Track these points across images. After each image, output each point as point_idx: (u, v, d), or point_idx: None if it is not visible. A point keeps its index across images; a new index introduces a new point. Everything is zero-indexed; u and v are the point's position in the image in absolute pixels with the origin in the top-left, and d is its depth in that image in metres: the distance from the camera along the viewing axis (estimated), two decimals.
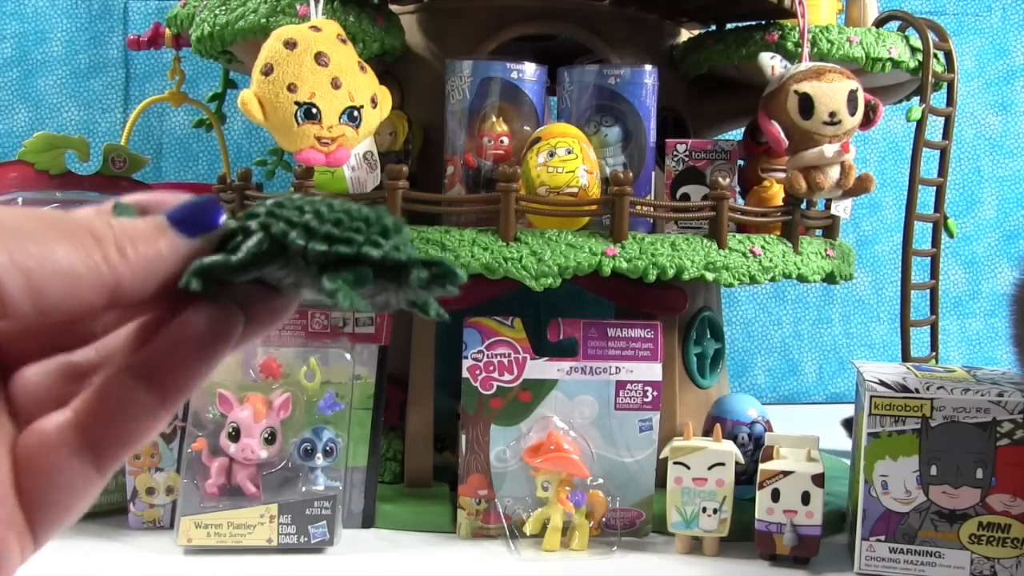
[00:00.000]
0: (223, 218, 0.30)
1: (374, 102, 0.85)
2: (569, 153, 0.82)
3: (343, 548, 0.80)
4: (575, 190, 0.81)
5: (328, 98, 0.80)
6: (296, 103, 0.77)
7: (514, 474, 0.82)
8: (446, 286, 0.30)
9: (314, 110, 0.77)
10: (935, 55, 0.99)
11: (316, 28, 0.79)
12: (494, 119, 0.89)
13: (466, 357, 0.81)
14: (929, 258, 1.05)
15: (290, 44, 0.77)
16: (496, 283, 0.80)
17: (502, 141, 0.88)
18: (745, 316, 1.43)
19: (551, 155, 0.82)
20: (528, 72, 0.89)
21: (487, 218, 0.82)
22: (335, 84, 0.81)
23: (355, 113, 0.81)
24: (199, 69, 1.30)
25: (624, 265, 0.79)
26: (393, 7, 0.97)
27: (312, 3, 0.82)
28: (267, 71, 0.77)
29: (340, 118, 0.81)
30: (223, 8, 0.87)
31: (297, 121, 0.77)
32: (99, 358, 0.32)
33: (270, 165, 1.17)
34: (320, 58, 0.77)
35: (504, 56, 0.92)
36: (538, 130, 0.86)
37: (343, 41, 0.82)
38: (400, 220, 0.30)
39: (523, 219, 0.83)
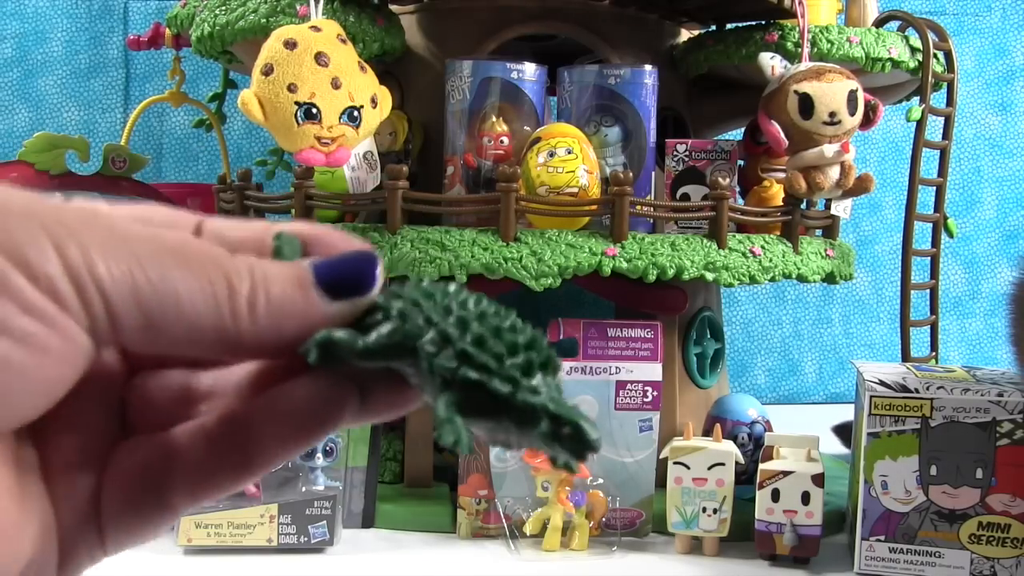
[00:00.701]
0: (377, 286, 0.27)
1: (374, 102, 0.85)
2: (569, 153, 0.82)
3: (343, 548, 0.80)
4: (575, 190, 0.81)
5: (328, 98, 0.80)
6: (296, 103, 0.77)
7: (514, 474, 0.82)
8: (575, 451, 0.25)
9: (314, 110, 0.77)
10: (935, 55, 0.99)
11: (316, 28, 0.79)
12: (494, 119, 0.89)
13: None
14: (929, 258, 1.05)
15: (290, 44, 0.77)
16: (496, 283, 0.80)
17: (502, 141, 0.88)
18: (745, 316, 1.43)
19: (551, 155, 0.82)
20: (528, 72, 0.89)
21: (487, 218, 0.82)
22: (335, 84, 0.81)
23: (355, 113, 0.81)
24: (199, 69, 1.30)
25: (624, 265, 0.79)
26: (393, 7, 0.97)
27: (312, 3, 0.82)
28: (267, 71, 0.77)
29: (340, 118, 0.81)
30: (223, 8, 0.87)
31: (297, 121, 0.77)
32: (212, 389, 0.29)
33: (270, 165, 1.17)
34: (320, 58, 0.77)
35: (504, 56, 0.92)
36: (538, 130, 0.86)
37: (343, 41, 0.82)
38: (553, 355, 0.26)
39: (523, 219, 0.83)
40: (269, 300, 0.25)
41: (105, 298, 0.23)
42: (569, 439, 0.25)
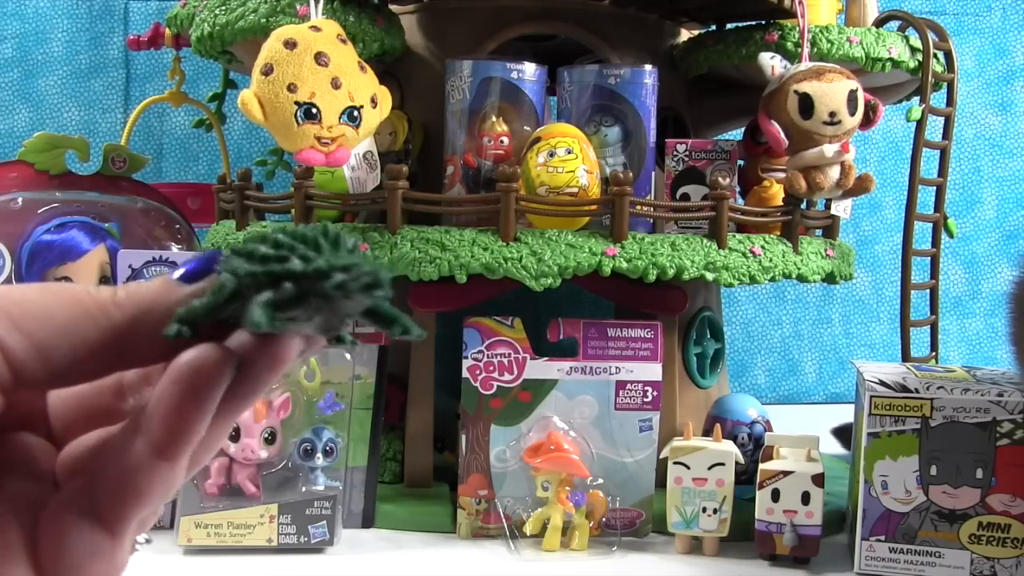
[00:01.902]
0: (216, 264, 0.30)
1: (374, 102, 0.85)
2: (569, 153, 0.82)
3: (343, 548, 0.80)
4: (575, 190, 0.81)
5: (328, 98, 0.80)
6: (296, 103, 0.77)
7: (514, 474, 0.82)
8: (370, 289, 0.28)
9: (314, 110, 0.77)
10: (935, 55, 0.99)
11: (316, 28, 0.79)
12: (494, 119, 0.89)
13: (466, 357, 0.81)
14: (929, 258, 1.05)
15: (290, 44, 0.77)
16: (496, 283, 0.80)
17: (502, 141, 0.88)
18: (745, 316, 1.43)
19: (551, 155, 0.82)
20: (528, 72, 0.89)
21: (487, 218, 0.82)
22: (335, 84, 0.81)
23: (355, 113, 0.81)
24: (199, 69, 1.30)
25: (624, 265, 0.79)
26: (393, 7, 0.97)
27: (312, 3, 0.82)
28: (267, 71, 0.77)
29: (340, 118, 0.81)
30: (223, 8, 0.87)
31: (297, 121, 0.77)
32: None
33: (270, 165, 1.17)
34: (320, 58, 0.77)
35: (504, 56, 0.92)
36: (538, 130, 0.86)
37: (343, 41, 0.82)
38: (341, 233, 0.29)
39: (523, 219, 0.83)
40: (129, 291, 0.30)
41: None
42: (356, 279, 0.27)
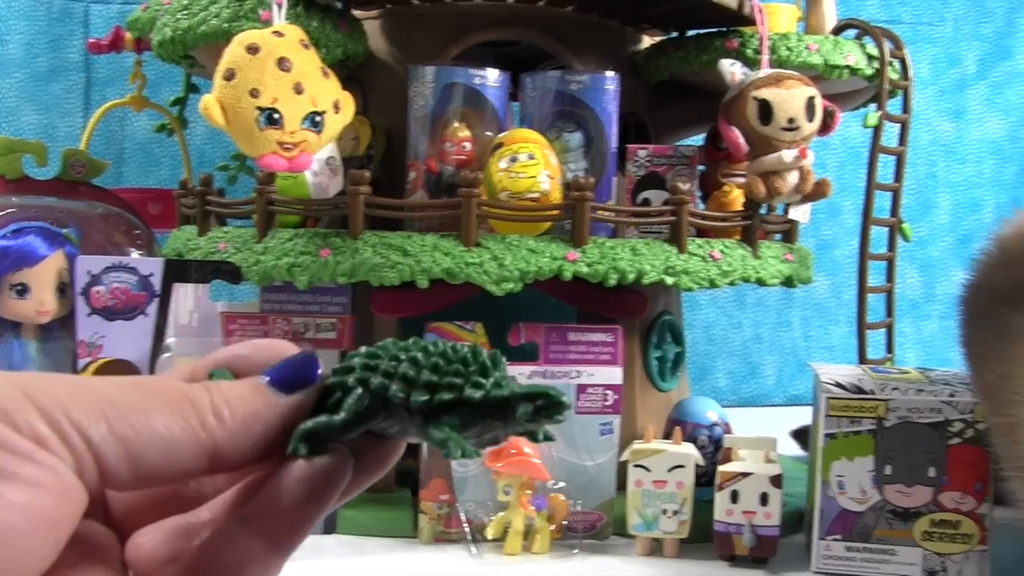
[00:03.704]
0: (320, 372, 0.31)
1: (337, 107, 0.85)
2: (531, 159, 0.83)
3: (304, 554, 0.79)
4: (536, 195, 0.82)
5: (290, 103, 0.80)
6: (258, 108, 0.76)
7: (475, 478, 0.82)
8: (552, 416, 0.30)
9: (276, 115, 0.77)
10: (891, 63, 1.00)
11: (279, 33, 0.79)
12: (457, 124, 0.89)
13: None
14: (885, 262, 1.06)
15: (252, 49, 0.77)
16: (458, 288, 0.81)
17: (464, 147, 0.88)
18: (706, 320, 1.45)
19: (513, 160, 0.83)
20: (491, 78, 0.90)
21: (450, 223, 0.83)
22: (298, 89, 0.81)
23: (317, 118, 0.81)
24: (161, 73, 1.28)
25: (585, 270, 0.80)
26: (356, 12, 0.97)
27: (275, 8, 0.82)
28: (229, 76, 0.77)
29: (302, 123, 0.81)
30: (185, 12, 0.87)
31: (259, 126, 0.77)
32: (212, 516, 0.32)
33: (232, 170, 1.16)
34: (282, 63, 0.77)
35: (467, 62, 0.93)
36: (500, 136, 0.87)
37: (306, 46, 0.82)
38: (497, 353, 0.30)
39: (485, 224, 0.84)
40: (232, 407, 0.29)
41: (84, 436, 0.26)
42: (545, 409, 0.29)
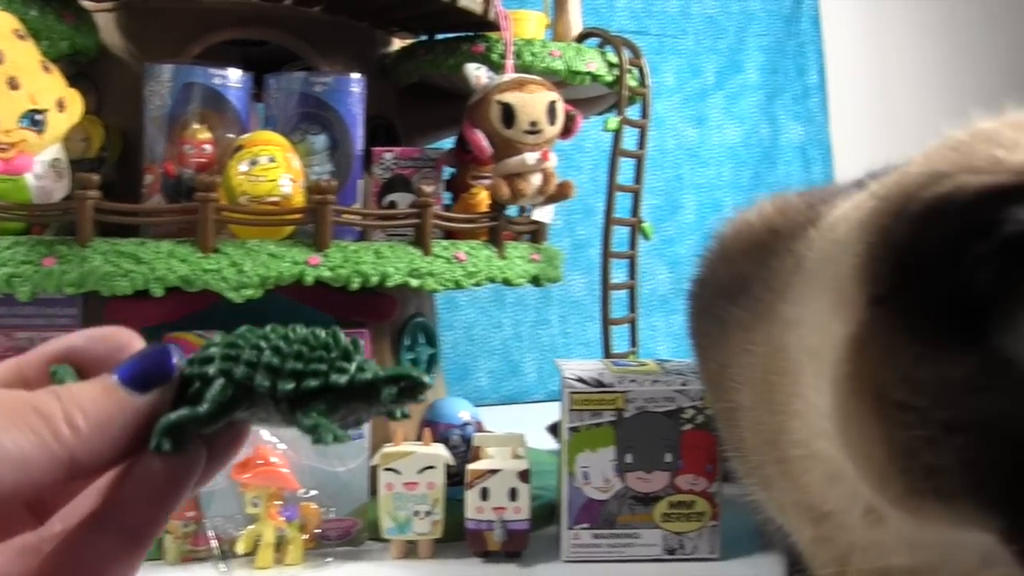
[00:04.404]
0: (175, 365, 0.30)
1: (61, 106, 0.80)
2: (271, 162, 0.81)
3: None
4: (277, 199, 0.80)
5: (4, 100, 0.74)
6: None
7: (222, 492, 0.79)
8: (416, 396, 0.30)
9: None
10: (630, 71, 1.05)
11: None
12: (196, 126, 0.86)
13: None
14: (628, 260, 1.12)
15: None
16: (197, 296, 0.77)
17: (204, 149, 0.85)
18: (466, 320, 1.47)
19: (253, 163, 0.81)
20: (232, 78, 0.87)
21: (188, 228, 0.79)
22: (12, 84, 0.76)
23: (38, 117, 0.76)
24: None
25: (327, 274, 0.79)
26: (86, 3, 0.92)
27: None
28: None
29: (19, 122, 0.75)
30: None
31: None
32: (63, 528, 0.30)
33: None
34: None
35: (209, 61, 0.89)
36: (240, 138, 0.84)
37: (21, 37, 0.76)
38: (356, 337, 0.31)
39: (226, 230, 0.81)
40: (85, 413, 0.28)
41: None
42: (409, 390, 0.30)
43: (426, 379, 0.30)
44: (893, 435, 0.44)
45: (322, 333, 0.30)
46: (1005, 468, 0.42)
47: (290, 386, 0.29)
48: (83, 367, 0.30)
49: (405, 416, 0.31)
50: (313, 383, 0.29)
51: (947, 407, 0.42)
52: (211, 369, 0.30)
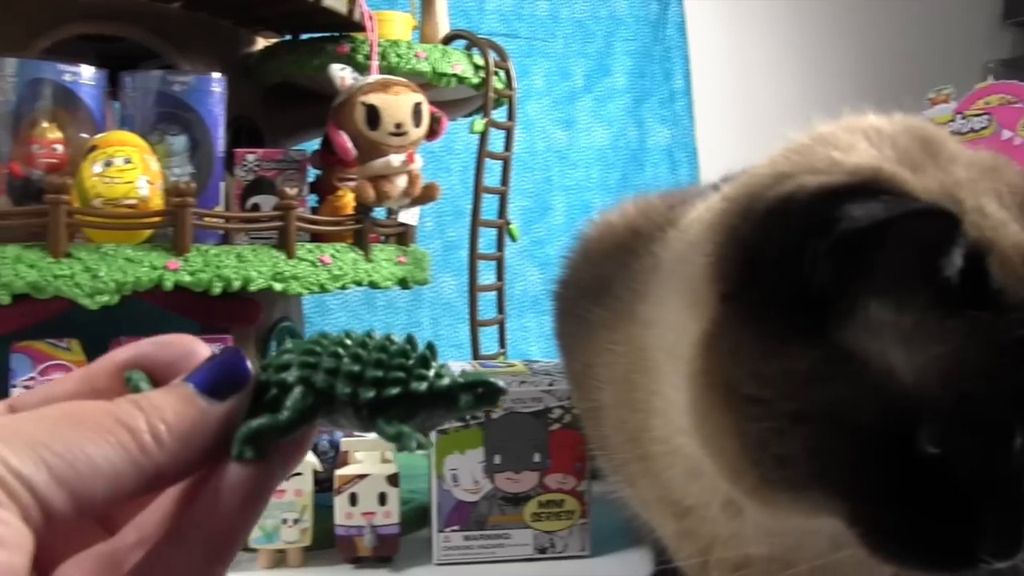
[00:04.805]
0: (251, 375, 0.30)
1: None
2: (128, 163, 0.78)
3: None
4: (134, 202, 0.77)
5: None
6: None
7: None
8: (493, 403, 0.31)
9: None
10: (496, 73, 1.06)
11: None
12: (46, 125, 0.82)
13: (14, 386, 0.74)
14: (495, 261, 1.12)
15: None
16: (48, 303, 0.74)
17: (55, 149, 0.82)
18: (337, 324, 1.45)
19: (108, 164, 0.78)
20: (85, 75, 0.84)
21: (39, 232, 0.76)
22: None
23: None
24: None
25: (187, 279, 0.77)
26: None
27: None
28: None
29: None
30: None
31: None
32: (139, 538, 0.30)
33: None
34: None
35: (59, 56, 0.85)
36: (95, 138, 0.81)
37: None
38: (432, 343, 0.31)
39: (81, 234, 0.77)
40: (168, 424, 0.28)
41: (28, 485, 0.25)
42: (486, 396, 0.31)
43: (502, 384, 0.31)
44: (744, 428, 0.46)
45: (398, 341, 0.31)
46: (847, 455, 0.44)
47: (371, 394, 0.30)
48: (153, 374, 0.30)
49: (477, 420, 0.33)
50: (394, 391, 0.30)
51: (792, 399, 0.44)
52: (289, 376, 0.30)
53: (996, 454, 0.43)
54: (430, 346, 0.31)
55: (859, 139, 0.49)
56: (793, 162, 0.48)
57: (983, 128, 1.46)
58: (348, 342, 0.31)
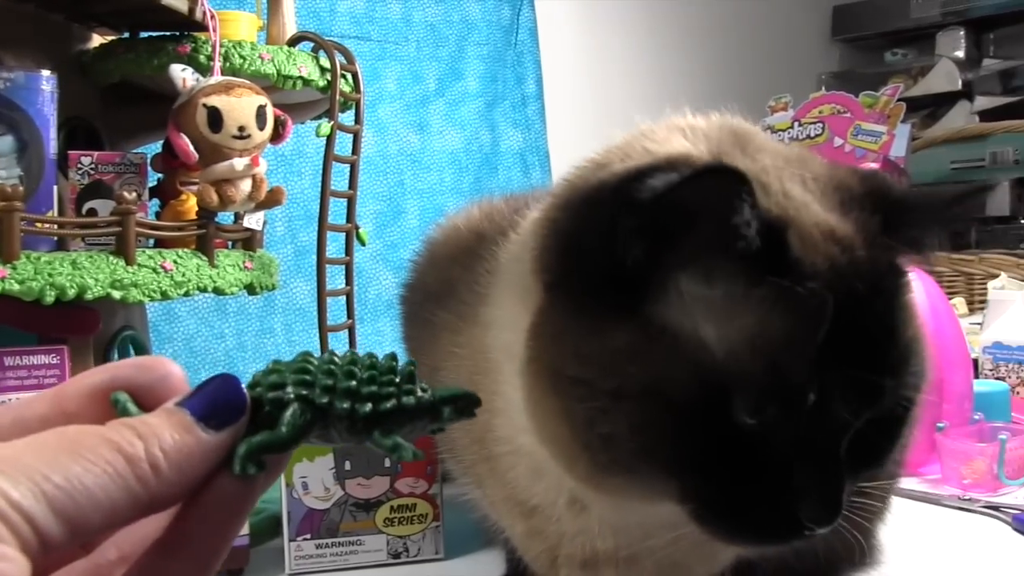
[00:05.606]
0: (247, 397, 0.31)
1: None
2: None
3: None
4: None
5: None
6: None
7: None
8: (471, 413, 0.34)
9: None
10: (343, 76, 1.05)
11: None
12: None
13: None
14: (343, 266, 1.11)
15: None
16: None
17: None
18: (187, 331, 1.41)
19: None
20: None
21: None
22: None
23: None
24: None
25: (16, 287, 0.73)
26: None
27: None
28: None
29: None
30: None
31: None
32: (120, 555, 0.31)
33: None
34: None
35: None
36: None
37: None
38: (413, 361, 0.34)
39: None
40: (166, 453, 0.28)
41: (27, 517, 0.25)
42: (465, 408, 0.34)
43: (478, 396, 0.34)
44: (571, 409, 0.47)
45: (383, 359, 0.34)
46: (668, 431, 0.46)
47: (368, 408, 0.32)
48: (135, 396, 0.31)
49: (442, 431, 0.35)
50: (388, 405, 0.32)
51: (613, 376, 0.46)
52: (285, 394, 0.31)
53: (806, 421, 0.45)
54: (412, 363, 0.34)
55: (675, 134, 0.51)
56: (612, 155, 0.51)
57: (818, 135, 1.55)
58: (338, 360, 0.33)
